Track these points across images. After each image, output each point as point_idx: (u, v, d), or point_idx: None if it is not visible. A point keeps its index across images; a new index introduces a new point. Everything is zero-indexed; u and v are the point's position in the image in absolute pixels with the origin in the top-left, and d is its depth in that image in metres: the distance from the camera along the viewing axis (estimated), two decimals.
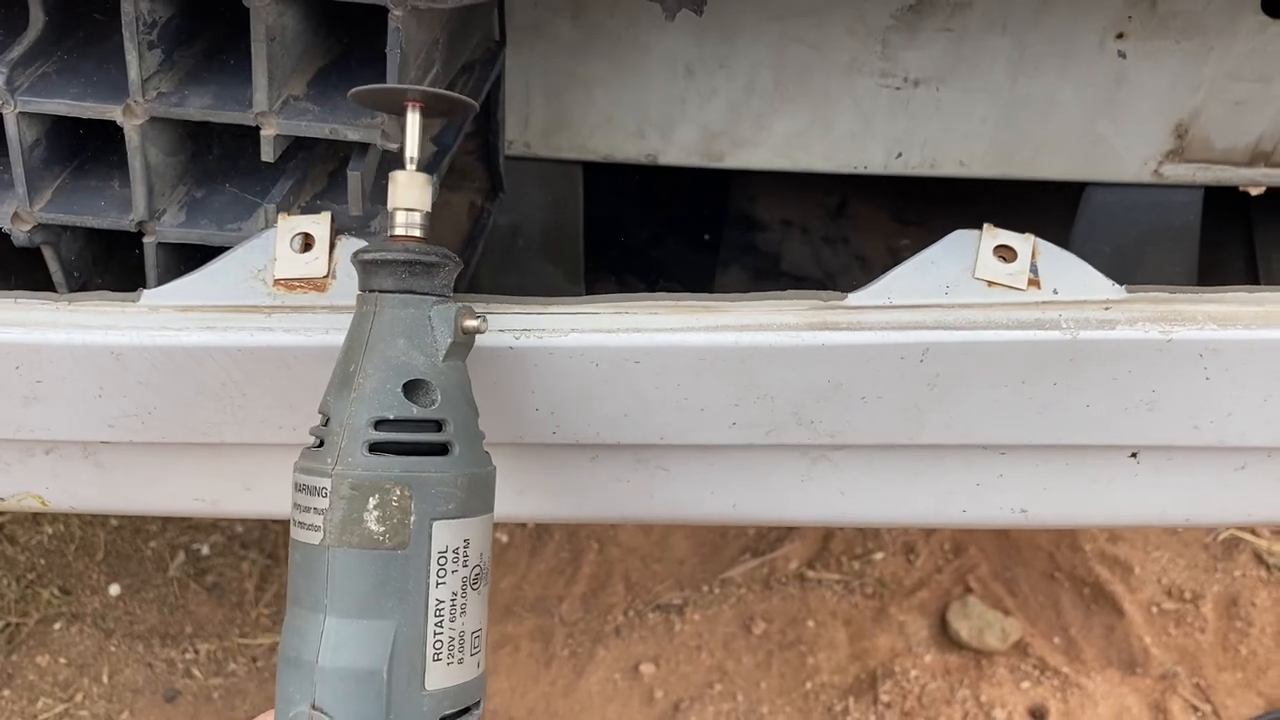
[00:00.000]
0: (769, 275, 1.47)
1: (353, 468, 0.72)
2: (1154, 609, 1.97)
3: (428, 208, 0.77)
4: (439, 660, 0.73)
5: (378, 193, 0.87)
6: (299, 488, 0.74)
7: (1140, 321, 0.83)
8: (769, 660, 1.90)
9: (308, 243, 0.84)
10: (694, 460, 0.94)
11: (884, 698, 1.83)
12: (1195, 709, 1.82)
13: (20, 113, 0.84)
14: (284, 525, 2.03)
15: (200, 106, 0.85)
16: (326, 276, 0.84)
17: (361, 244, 0.82)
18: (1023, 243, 0.85)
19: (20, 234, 0.88)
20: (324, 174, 0.94)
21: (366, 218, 0.88)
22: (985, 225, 0.85)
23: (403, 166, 0.77)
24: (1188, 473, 0.95)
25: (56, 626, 1.97)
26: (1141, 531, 2.07)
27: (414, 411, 0.74)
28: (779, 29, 1.12)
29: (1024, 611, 1.95)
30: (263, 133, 0.83)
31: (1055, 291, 0.84)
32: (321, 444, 0.74)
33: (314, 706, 0.71)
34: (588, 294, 1.22)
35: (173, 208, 0.89)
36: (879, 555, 2.06)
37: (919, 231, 1.49)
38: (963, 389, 0.86)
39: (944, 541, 2.06)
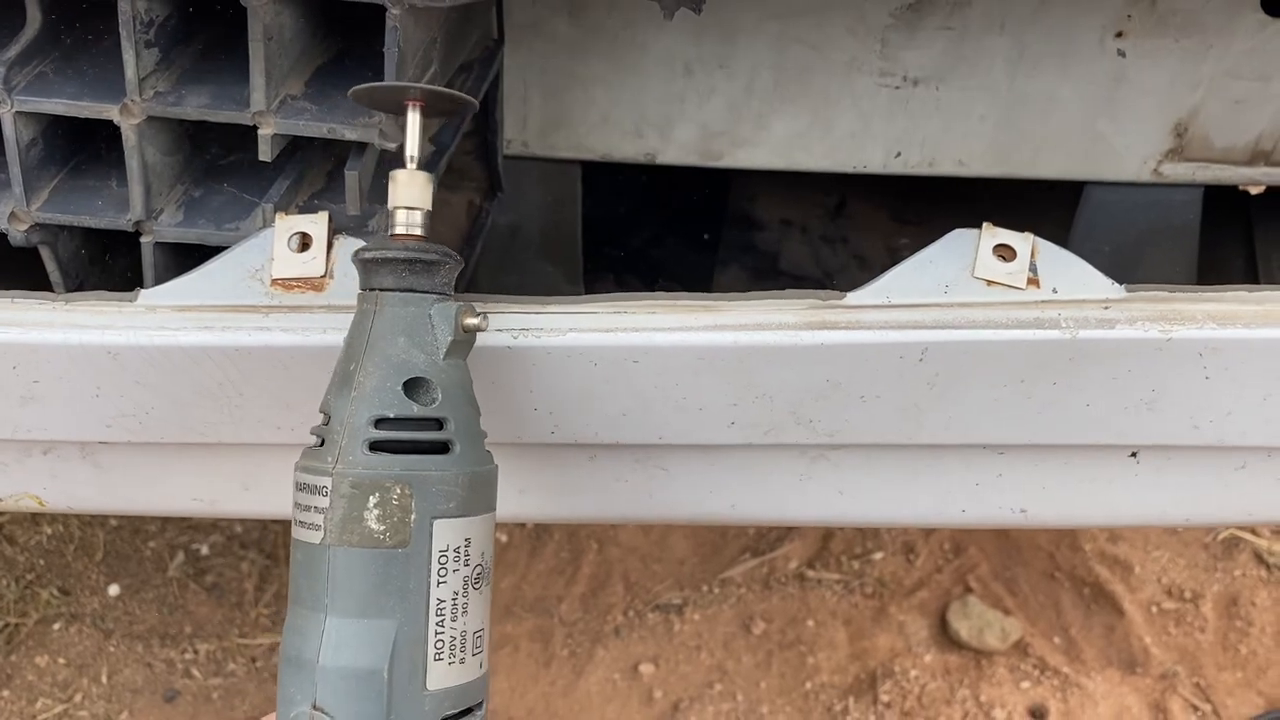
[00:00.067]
0: (768, 275, 1.47)
1: (353, 466, 0.72)
2: (1154, 609, 1.97)
3: (428, 206, 0.77)
4: (440, 660, 0.73)
5: (375, 192, 0.87)
6: (300, 487, 0.74)
7: (1140, 320, 0.83)
8: (769, 660, 1.90)
9: (305, 242, 0.84)
10: (693, 460, 0.94)
11: (884, 697, 1.83)
12: (1195, 708, 1.82)
13: (17, 112, 0.84)
14: (283, 525, 2.03)
15: (197, 106, 0.84)
16: (324, 276, 0.84)
17: (359, 243, 0.82)
18: (1022, 242, 0.85)
19: (17, 234, 0.87)
20: (322, 173, 0.93)
21: (364, 217, 0.88)
22: (984, 224, 0.85)
23: (403, 165, 0.77)
24: (1187, 472, 0.95)
25: (56, 627, 1.96)
26: (1141, 531, 2.07)
27: (414, 410, 0.74)
28: (778, 28, 1.12)
29: (1024, 611, 1.95)
30: (260, 132, 0.83)
31: (1054, 290, 0.84)
32: (322, 443, 0.74)
33: (315, 706, 0.71)
34: (587, 293, 1.22)
35: (170, 207, 0.89)
36: (879, 555, 2.05)
37: (918, 231, 1.49)
38: (962, 388, 0.86)
39: (944, 541, 2.06)
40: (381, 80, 0.80)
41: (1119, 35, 1.10)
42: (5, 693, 1.87)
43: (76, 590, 2.02)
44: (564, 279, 1.32)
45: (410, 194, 0.77)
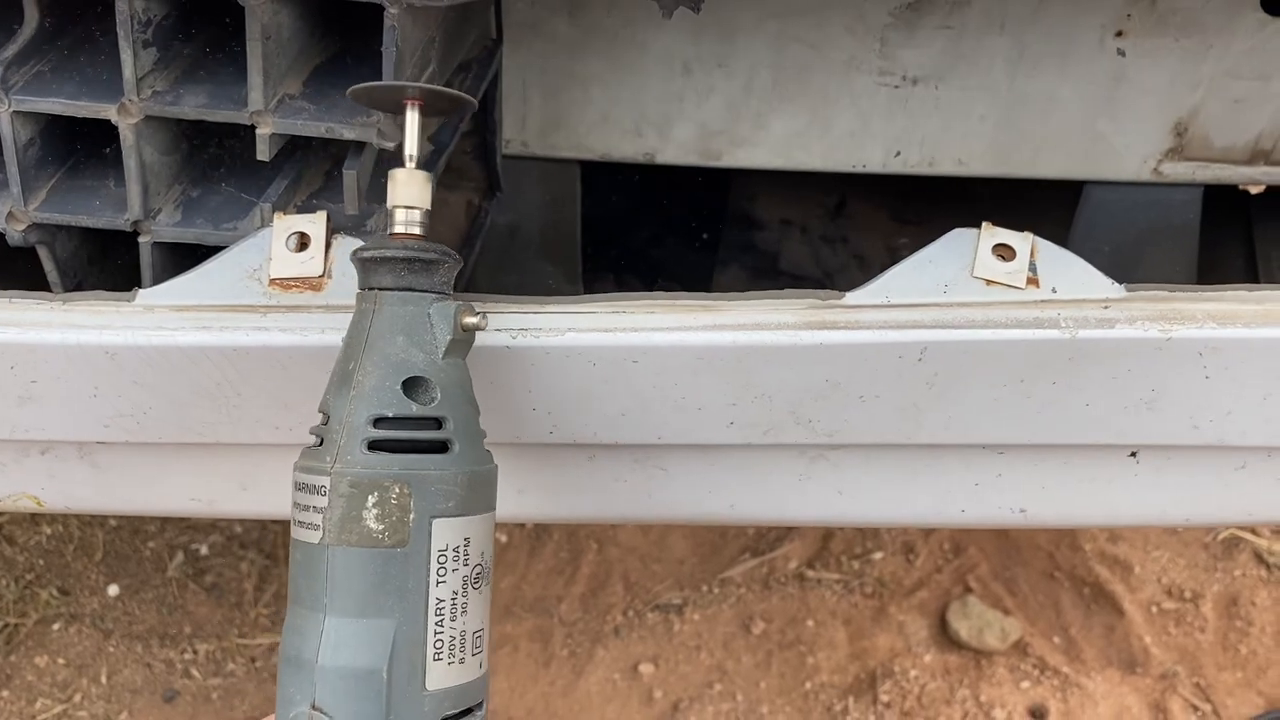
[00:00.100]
0: (768, 274, 1.47)
1: (352, 465, 0.72)
2: (1154, 608, 1.97)
3: (427, 205, 0.77)
4: (440, 660, 0.73)
5: (374, 192, 0.87)
6: (299, 486, 0.74)
7: (1139, 320, 0.83)
8: (768, 660, 1.90)
9: (303, 242, 0.84)
10: (692, 460, 0.94)
11: (883, 697, 1.83)
12: (1195, 708, 1.82)
13: (14, 112, 0.83)
14: (283, 525, 2.02)
15: (195, 105, 0.84)
16: (322, 276, 0.84)
17: (357, 243, 0.82)
18: (1021, 241, 0.84)
19: (15, 233, 0.87)
20: (320, 173, 0.93)
21: (362, 217, 0.88)
22: (984, 224, 0.85)
23: (401, 164, 0.77)
24: (1187, 472, 0.94)
25: (55, 627, 1.96)
26: (1141, 531, 2.07)
27: (413, 409, 0.73)
28: (777, 27, 1.12)
29: (1024, 611, 1.95)
30: (258, 131, 0.83)
31: (1054, 290, 0.84)
32: (321, 442, 0.74)
33: (314, 707, 0.71)
34: (586, 293, 1.21)
35: (168, 207, 0.89)
36: (878, 555, 2.05)
37: (918, 230, 1.48)
38: (961, 388, 0.85)
39: (943, 541, 2.06)
40: (380, 80, 0.80)
41: (1119, 35, 1.10)
42: (5, 693, 1.86)
43: (76, 590, 2.02)
44: (563, 279, 1.32)
45: (409, 193, 0.77)
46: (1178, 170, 1.18)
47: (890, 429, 0.89)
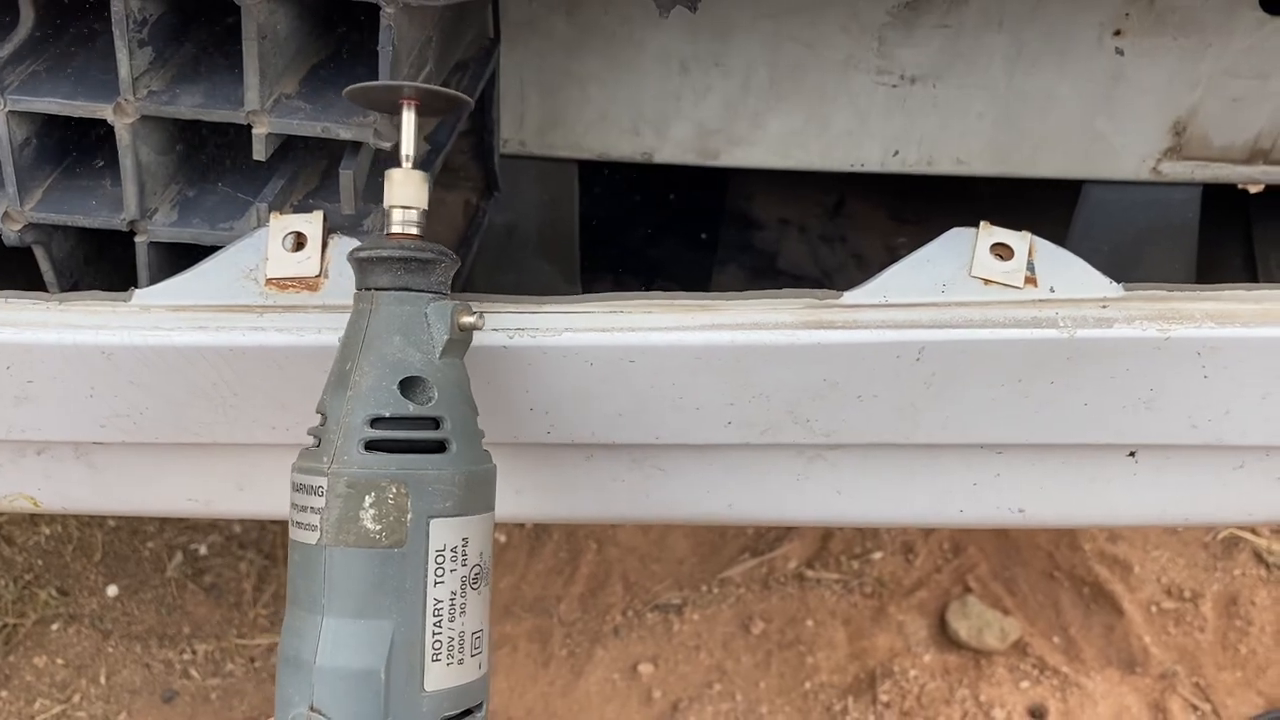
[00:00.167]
0: (766, 274, 1.46)
1: (349, 466, 0.72)
2: (1153, 608, 1.97)
3: (424, 205, 0.77)
4: (438, 660, 0.73)
5: (370, 191, 0.87)
6: (296, 487, 0.74)
7: (1138, 320, 0.83)
8: (768, 660, 1.90)
9: (300, 242, 0.84)
10: (690, 460, 0.94)
11: (883, 697, 1.83)
12: (1195, 708, 1.82)
13: (10, 111, 0.83)
14: (282, 525, 2.02)
15: (191, 105, 0.84)
16: (319, 276, 0.84)
17: (354, 243, 0.82)
18: (1019, 241, 0.84)
19: (11, 233, 0.87)
20: (316, 173, 0.93)
21: (359, 217, 0.87)
22: (982, 223, 0.85)
23: (398, 164, 0.77)
24: (1186, 472, 0.94)
25: (54, 627, 1.96)
26: (1141, 530, 2.06)
27: (410, 409, 0.73)
28: (774, 26, 1.12)
29: (1023, 611, 1.95)
30: (254, 131, 0.83)
31: (1052, 290, 0.84)
32: (319, 443, 0.74)
33: (312, 708, 0.71)
34: (584, 293, 1.21)
35: (164, 207, 0.89)
36: (878, 555, 2.05)
37: (916, 230, 1.48)
38: (959, 388, 0.85)
39: (943, 541, 2.06)
40: (376, 79, 0.80)
41: (1117, 33, 1.10)
42: (4, 693, 1.86)
43: (75, 591, 2.02)
44: (561, 278, 1.31)
45: (406, 193, 0.77)
46: (1176, 169, 1.18)
47: (888, 429, 0.89)
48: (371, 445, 0.72)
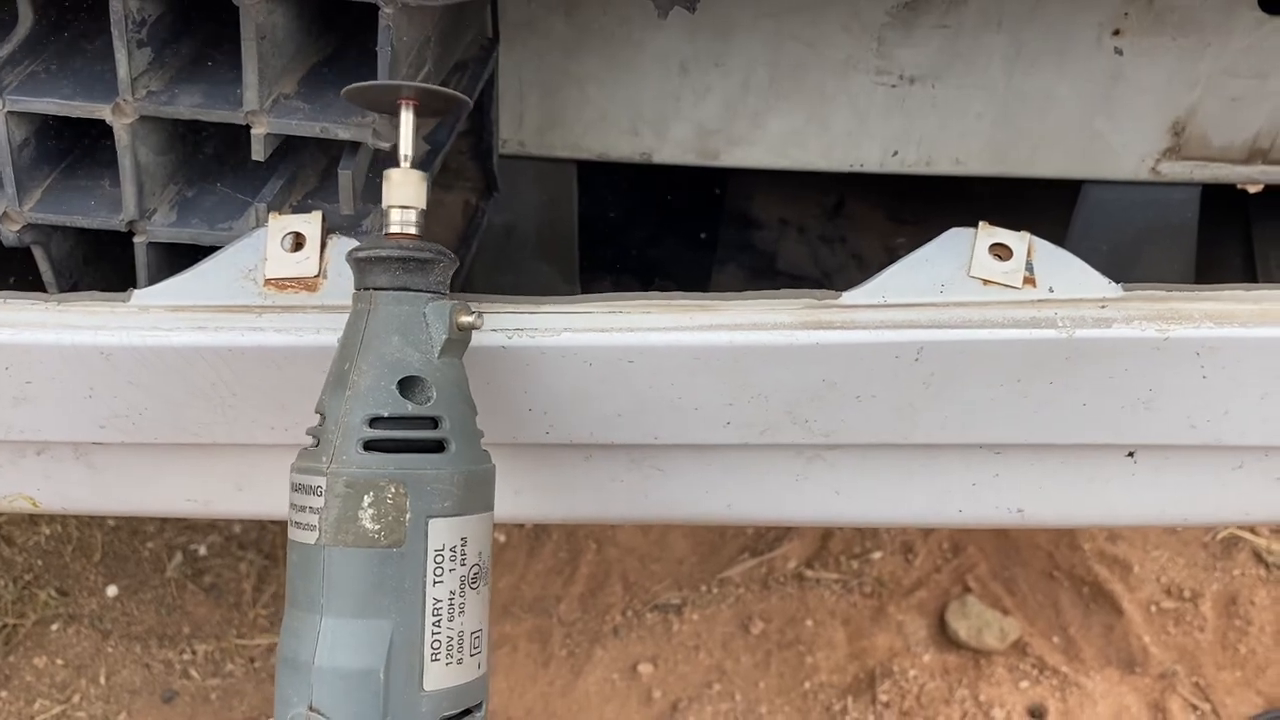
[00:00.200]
0: (765, 274, 1.46)
1: (347, 465, 0.72)
2: (1153, 608, 1.97)
3: (422, 205, 0.77)
4: (437, 660, 0.73)
5: (369, 192, 0.87)
6: (295, 487, 0.74)
7: (1137, 320, 0.83)
8: (767, 660, 1.90)
9: (299, 242, 0.84)
10: (689, 460, 0.94)
11: (882, 697, 1.83)
12: (1194, 708, 1.82)
13: (9, 112, 0.83)
14: (281, 525, 2.02)
15: (190, 105, 0.84)
16: (317, 276, 0.84)
17: (353, 243, 0.82)
18: (1018, 241, 0.84)
19: (10, 234, 0.87)
20: (315, 173, 0.93)
21: (358, 217, 0.87)
22: (980, 223, 0.85)
23: (397, 164, 0.77)
24: (1185, 472, 0.94)
25: (54, 628, 1.96)
26: (1140, 530, 2.06)
27: (409, 409, 0.73)
28: (773, 26, 1.12)
29: (1023, 611, 1.95)
30: (253, 131, 0.83)
31: (1051, 290, 0.84)
32: (318, 443, 0.74)
33: (311, 708, 0.71)
34: (583, 293, 1.21)
35: (163, 207, 0.89)
36: (877, 555, 2.05)
37: (915, 230, 1.48)
38: (958, 388, 0.85)
39: (942, 541, 2.06)
40: (375, 79, 0.80)
41: (1116, 33, 1.10)
42: (3, 694, 1.86)
43: (74, 591, 2.02)
44: (560, 279, 1.31)
45: (404, 193, 0.77)
46: (1175, 169, 1.18)
47: (887, 429, 0.89)
48: (370, 445, 0.72)
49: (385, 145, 0.83)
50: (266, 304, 0.83)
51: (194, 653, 1.93)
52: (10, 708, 1.84)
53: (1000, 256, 0.84)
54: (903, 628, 1.94)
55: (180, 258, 0.88)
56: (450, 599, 0.73)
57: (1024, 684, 1.85)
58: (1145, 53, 1.11)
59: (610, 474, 0.95)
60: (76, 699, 1.87)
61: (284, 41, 0.84)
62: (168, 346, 0.83)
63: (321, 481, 0.72)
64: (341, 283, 0.82)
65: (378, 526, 0.71)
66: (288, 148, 0.90)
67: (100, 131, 0.85)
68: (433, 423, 0.74)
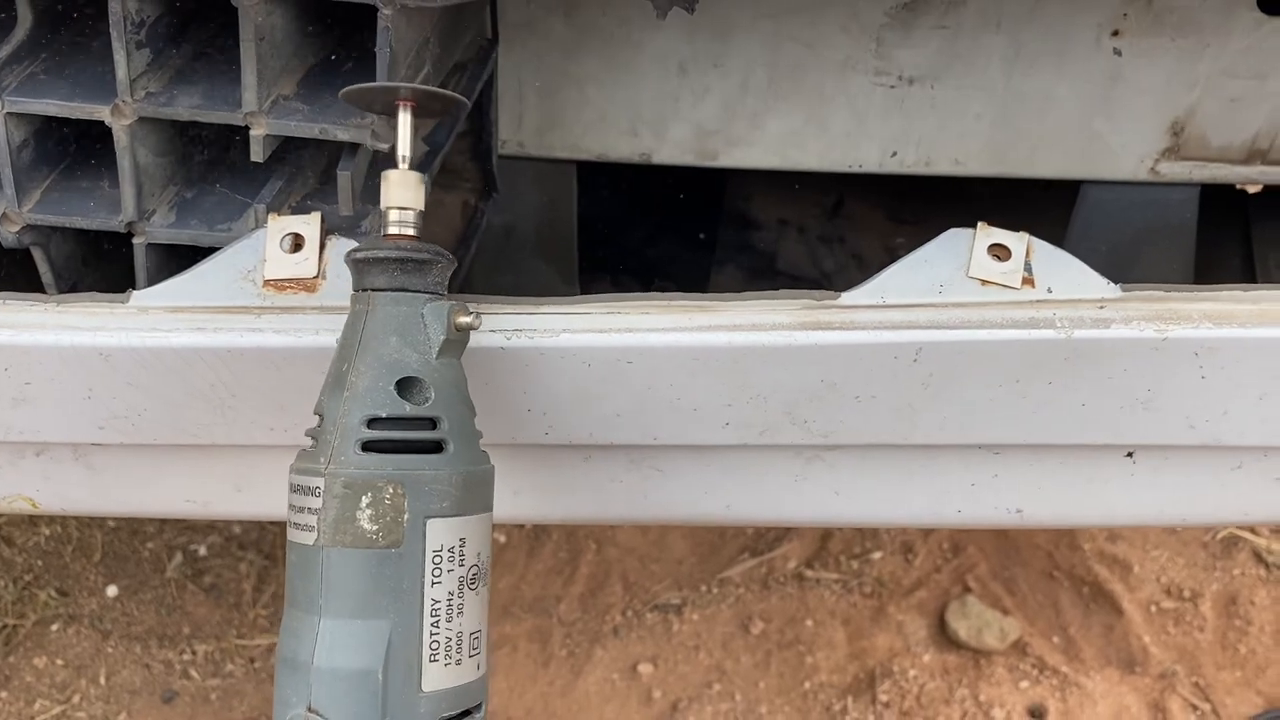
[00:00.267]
0: (765, 274, 1.46)
1: (345, 466, 0.72)
2: (1153, 608, 1.97)
3: (421, 206, 0.77)
4: (436, 661, 0.73)
5: (368, 193, 0.87)
6: (294, 488, 0.74)
7: (1135, 320, 0.83)
8: (767, 660, 1.90)
9: (298, 243, 0.84)
10: (688, 460, 0.94)
11: (882, 697, 1.83)
12: (1194, 708, 1.82)
13: (8, 113, 0.84)
14: (281, 526, 2.02)
15: (189, 106, 0.84)
16: (316, 277, 0.84)
17: (351, 244, 0.82)
18: (1017, 241, 0.84)
19: (9, 235, 0.87)
20: (314, 174, 0.93)
21: (357, 218, 0.87)
22: (979, 224, 0.85)
23: (395, 165, 0.77)
24: (1184, 472, 0.94)
25: (54, 628, 1.96)
26: (1140, 530, 2.06)
27: (407, 409, 0.73)
28: (772, 27, 1.12)
29: (1023, 611, 1.95)
30: (252, 133, 0.83)
31: (1050, 290, 0.84)
32: (316, 444, 0.74)
33: (310, 709, 0.71)
34: (583, 293, 1.21)
35: (162, 208, 0.89)
36: (877, 555, 2.05)
37: (914, 230, 1.48)
38: (957, 388, 0.85)
39: (942, 541, 2.06)
40: (374, 81, 0.80)
41: (1115, 34, 1.10)
42: (3, 694, 1.86)
43: (74, 591, 2.02)
44: (559, 279, 1.31)
45: (403, 194, 0.77)
46: (1174, 170, 1.18)
47: (886, 429, 0.89)
48: (368, 446, 0.72)
49: (384, 146, 0.83)
50: (265, 305, 0.84)
51: (194, 653, 1.93)
52: (10, 708, 1.84)
53: (999, 257, 0.84)
54: (903, 628, 1.94)
55: (179, 259, 0.88)
56: (449, 599, 0.73)
57: (1024, 684, 1.85)
58: (1144, 53, 1.11)
59: (609, 474, 0.95)
60: (76, 699, 1.87)
61: (283, 43, 0.85)
62: (167, 347, 0.83)
63: (320, 482, 0.72)
64: (340, 284, 0.82)
65: (376, 527, 0.71)
66: (287, 149, 0.90)
67: (100, 133, 0.85)
68: (431, 423, 0.74)
